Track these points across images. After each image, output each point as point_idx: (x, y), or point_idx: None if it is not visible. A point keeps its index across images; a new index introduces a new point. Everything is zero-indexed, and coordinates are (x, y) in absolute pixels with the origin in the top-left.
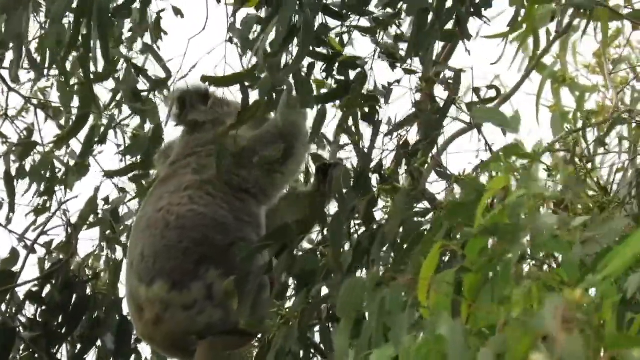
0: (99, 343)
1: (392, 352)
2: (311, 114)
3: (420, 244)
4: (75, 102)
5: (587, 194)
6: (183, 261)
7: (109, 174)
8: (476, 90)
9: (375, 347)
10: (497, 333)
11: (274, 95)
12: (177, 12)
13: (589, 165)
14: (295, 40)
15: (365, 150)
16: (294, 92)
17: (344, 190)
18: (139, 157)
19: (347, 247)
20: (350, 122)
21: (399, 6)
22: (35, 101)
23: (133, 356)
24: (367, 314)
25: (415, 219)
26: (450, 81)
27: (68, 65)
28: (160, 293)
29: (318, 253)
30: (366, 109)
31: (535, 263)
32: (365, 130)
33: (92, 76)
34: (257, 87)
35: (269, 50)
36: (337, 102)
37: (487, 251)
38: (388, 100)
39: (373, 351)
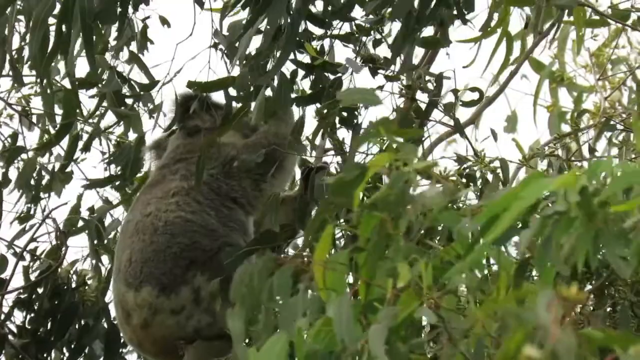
0: (87, 350)
1: (286, 337)
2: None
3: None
4: (59, 109)
5: None
6: (172, 266)
7: (89, 186)
8: (455, 92)
9: (265, 331)
10: (387, 306)
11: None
12: (164, 21)
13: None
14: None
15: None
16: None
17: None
18: (118, 169)
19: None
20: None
21: (382, 11)
22: (19, 108)
23: None
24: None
25: None
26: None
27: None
28: (149, 298)
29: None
30: (345, 114)
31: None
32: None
33: (76, 83)
34: (235, 86)
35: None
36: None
37: (380, 228)
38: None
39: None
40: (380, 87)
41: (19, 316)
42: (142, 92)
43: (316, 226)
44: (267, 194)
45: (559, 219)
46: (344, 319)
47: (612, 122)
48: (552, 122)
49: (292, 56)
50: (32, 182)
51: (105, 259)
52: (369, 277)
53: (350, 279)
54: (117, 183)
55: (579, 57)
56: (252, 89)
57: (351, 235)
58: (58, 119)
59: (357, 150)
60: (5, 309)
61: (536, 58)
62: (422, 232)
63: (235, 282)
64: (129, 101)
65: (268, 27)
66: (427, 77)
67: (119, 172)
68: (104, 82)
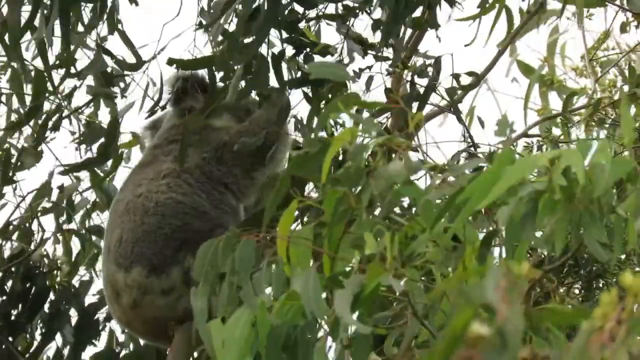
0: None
1: (249, 312)
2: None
3: None
4: (29, 88)
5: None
6: (162, 247)
7: (66, 171)
8: (456, 77)
9: (228, 306)
10: (353, 275)
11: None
12: (132, 0)
13: None
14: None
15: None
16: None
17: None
18: (94, 151)
19: None
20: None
21: None
22: None
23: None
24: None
25: None
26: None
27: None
28: (139, 278)
29: None
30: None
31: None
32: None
33: (56, 62)
34: (215, 66)
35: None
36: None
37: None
38: (355, 81)
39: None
40: (369, 67)
41: None
42: (128, 72)
43: (277, 201)
44: (257, 183)
45: (536, 197)
46: (312, 292)
47: (601, 107)
48: (542, 125)
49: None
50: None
51: (75, 241)
52: (333, 251)
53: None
54: (93, 167)
55: (567, 61)
56: (236, 68)
57: (316, 210)
58: (27, 99)
59: (323, 125)
60: None
61: (525, 62)
62: (388, 207)
63: (198, 258)
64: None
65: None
66: (426, 61)
67: (95, 156)
68: (89, 62)
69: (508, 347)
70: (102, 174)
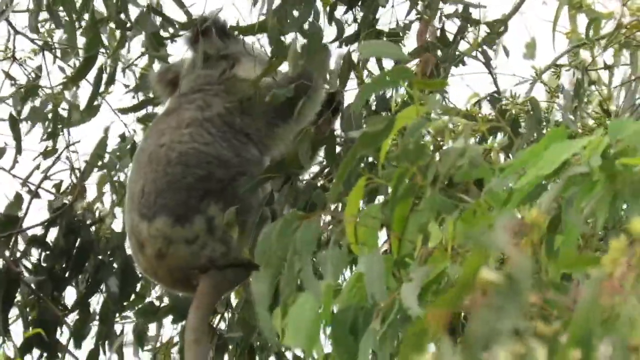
0: (103, 286)
1: (315, 299)
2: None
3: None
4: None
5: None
6: (186, 196)
7: (123, 111)
8: (490, 25)
9: (288, 290)
10: (418, 264)
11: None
12: None
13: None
14: None
15: None
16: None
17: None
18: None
19: None
20: None
21: None
22: (41, 43)
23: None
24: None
25: None
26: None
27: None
28: (163, 228)
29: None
30: None
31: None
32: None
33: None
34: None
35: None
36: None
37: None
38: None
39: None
40: (419, 17)
41: (34, 254)
42: (180, 33)
43: (344, 179)
44: (279, 137)
45: (581, 180)
46: (375, 275)
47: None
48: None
49: None
50: (50, 116)
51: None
52: (399, 231)
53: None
54: (142, 114)
55: None
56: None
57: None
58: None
59: (368, 95)
60: (21, 247)
61: None
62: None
63: (259, 242)
64: None
65: None
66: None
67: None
68: (136, 22)
69: (518, 293)
70: None
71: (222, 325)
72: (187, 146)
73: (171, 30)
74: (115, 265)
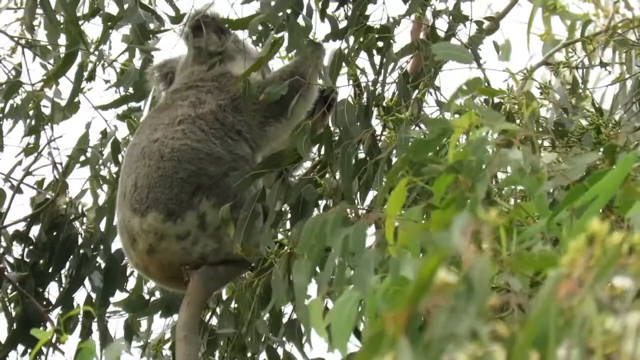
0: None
1: (357, 296)
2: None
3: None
4: (63, 39)
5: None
6: (178, 192)
7: (103, 107)
8: (478, 23)
9: (336, 287)
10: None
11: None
12: None
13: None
14: None
15: (369, 83)
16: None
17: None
18: (130, 89)
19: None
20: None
21: None
22: (22, 41)
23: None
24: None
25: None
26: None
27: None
28: (155, 223)
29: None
30: (380, 43)
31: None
32: (364, 63)
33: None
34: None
35: None
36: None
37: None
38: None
39: (335, 290)
40: (409, 14)
41: (17, 249)
42: (168, 28)
43: (392, 183)
44: (271, 136)
45: None
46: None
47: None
48: (545, 49)
49: None
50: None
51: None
52: None
53: None
54: (124, 110)
55: None
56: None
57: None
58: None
59: (448, 110)
60: (4, 243)
61: None
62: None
63: (305, 232)
64: None
65: None
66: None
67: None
68: (123, 11)
69: (475, 295)
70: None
71: (214, 321)
72: (180, 142)
73: (158, 24)
74: (98, 260)
